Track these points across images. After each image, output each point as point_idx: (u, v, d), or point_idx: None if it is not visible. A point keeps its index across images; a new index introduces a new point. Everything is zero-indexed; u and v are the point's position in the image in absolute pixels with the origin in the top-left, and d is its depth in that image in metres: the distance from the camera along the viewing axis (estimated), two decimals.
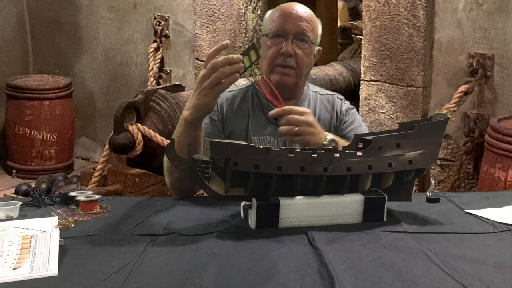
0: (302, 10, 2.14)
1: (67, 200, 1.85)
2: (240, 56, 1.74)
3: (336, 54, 5.72)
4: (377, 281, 1.39)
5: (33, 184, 4.49)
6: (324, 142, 1.92)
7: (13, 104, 4.94)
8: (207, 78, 1.73)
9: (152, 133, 3.34)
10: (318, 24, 2.17)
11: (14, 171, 4.99)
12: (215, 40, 4.45)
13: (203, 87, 1.74)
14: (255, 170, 1.65)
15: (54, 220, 1.68)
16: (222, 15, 4.41)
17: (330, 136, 1.96)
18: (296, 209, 1.70)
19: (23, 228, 1.63)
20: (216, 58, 1.75)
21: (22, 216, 1.75)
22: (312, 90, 2.23)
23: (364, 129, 2.19)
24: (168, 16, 4.74)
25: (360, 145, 1.79)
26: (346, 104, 2.22)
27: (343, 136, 2.13)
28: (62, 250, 1.51)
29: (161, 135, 3.35)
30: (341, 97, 2.25)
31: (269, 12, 2.20)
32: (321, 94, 2.23)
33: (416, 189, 3.53)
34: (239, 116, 2.16)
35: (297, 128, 1.87)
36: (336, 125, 2.18)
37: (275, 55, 2.09)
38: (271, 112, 1.91)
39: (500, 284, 1.39)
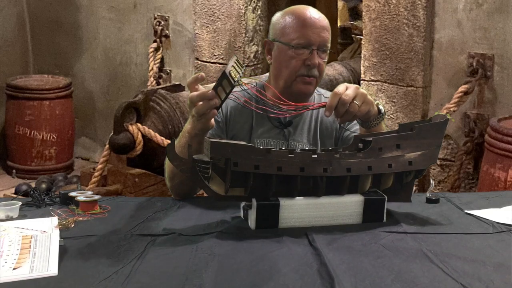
0: (321, 17, 2.11)
1: (67, 200, 1.85)
2: (214, 92, 1.71)
3: (336, 54, 5.72)
4: (377, 281, 1.39)
5: (33, 184, 4.49)
6: (378, 104, 1.90)
7: (13, 104, 4.93)
8: (191, 108, 1.76)
9: (152, 133, 3.34)
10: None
11: (14, 171, 4.99)
12: (215, 40, 4.45)
13: (192, 114, 1.78)
14: (255, 170, 1.65)
15: (54, 220, 1.68)
16: (222, 15, 4.41)
17: (378, 102, 1.93)
18: (296, 209, 1.70)
19: (23, 228, 1.63)
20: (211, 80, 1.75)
21: (22, 216, 1.75)
22: (316, 93, 2.22)
23: None
24: (168, 16, 4.74)
25: (360, 146, 1.79)
26: None
27: (346, 137, 2.12)
28: (62, 250, 1.51)
29: (161, 135, 3.36)
30: None
31: (279, 16, 2.14)
32: (325, 97, 2.22)
33: (416, 189, 3.53)
34: (243, 118, 2.15)
35: (357, 102, 1.80)
36: (339, 127, 2.17)
37: (299, 66, 2.07)
38: (327, 113, 1.82)
39: (500, 284, 1.39)
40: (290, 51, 2.08)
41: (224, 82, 1.71)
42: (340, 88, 1.81)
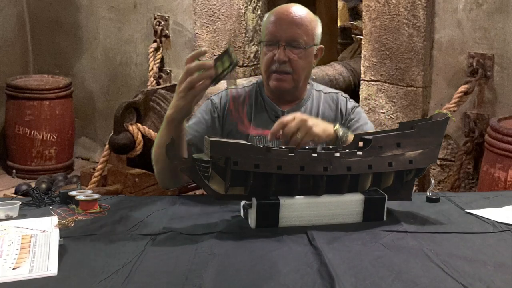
0: (297, 13, 2.10)
1: (67, 200, 1.85)
2: (212, 62, 1.74)
3: (336, 54, 5.72)
4: (377, 281, 1.39)
5: (33, 184, 4.48)
6: (337, 131, 1.92)
7: (13, 104, 4.93)
8: (183, 81, 1.77)
9: (152, 133, 3.34)
10: (315, 24, 2.14)
11: (14, 171, 4.99)
12: (215, 40, 4.45)
13: (180, 90, 1.79)
14: (255, 169, 1.65)
15: (54, 219, 1.68)
16: (222, 15, 4.41)
17: (337, 126, 1.94)
18: (296, 208, 1.70)
19: (22, 227, 1.63)
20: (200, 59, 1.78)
21: (21, 215, 1.75)
22: (315, 89, 2.23)
23: (370, 127, 2.17)
24: (168, 16, 4.74)
25: (360, 145, 1.79)
26: (351, 103, 2.21)
27: None
28: (62, 250, 1.51)
29: None
30: (345, 95, 2.25)
31: (267, 15, 2.20)
32: (325, 93, 2.23)
33: (416, 189, 3.53)
34: None
35: (299, 134, 1.83)
36: (342, 124, 2.17)
37: (270, 61, 2.10)
38: (269, 138, 1.88)
39: (500, 284, 1.39)
40: (264, 48, 2.12)
41: (225, 58, 1.73)
42: (286, 118, 1.85)
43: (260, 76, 2.33)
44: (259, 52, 4.54)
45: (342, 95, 2.23)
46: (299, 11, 2.12)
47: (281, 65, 2.08)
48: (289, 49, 2.08)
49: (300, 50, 2.09)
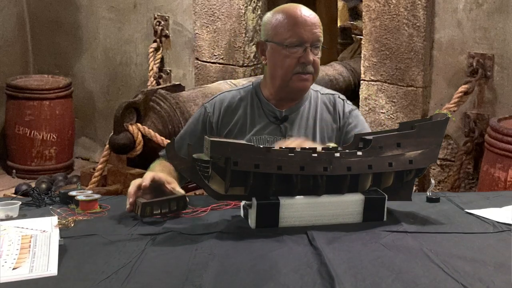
0: (311, 14, 2.13)
1: (67, 200, 1.85)
2: (133, 202, 1.76)
3: (336, 54, 5.71)
4: (377, 281, 1.39)
5: (33, 184, 4.48)
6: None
7: (13, 104, 4.93)
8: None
9: (152, 133, 3.34)
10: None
11: (14, 171, 4.99)
12: (215, 40, 4.45)
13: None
14: (255, 169, 1.65)
15: (54, 219, 1.68)
16: (222, 15, 4.41)
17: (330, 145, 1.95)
18: (296, 208, 1.70)
19: (22, 227, 1.63)
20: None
21: (21, 215, 1.75)
22: (313, 89, 2.23)
23: (367, 130, 2.17)
24: (168, 16, 4.74)
25: (360, 145, 1.79)
26: (349, 105, 2.21)
27: (347, 139, 2.12)
28: (62, 250, 1.51)
29: (161, 135, 3.36)
30: (342, 97, 2.25)
31: (269, 16, 2.15)
32: (322, 94, 2.23)
33: (416, 189, 3.52)
34: (237, 115, 2.17)
35: None
36: (340, 127, 2.17)
37: (294, 64, 2.10)
38: None
39: (500, 284, 1.39)
40: (284, 51, 2.09)
41: (147, 209, 1.74)
42: (286, 142, 1.87)
43: (260, 77, 2.32)
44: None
45: (339, 97, 2.24)
46: (311, 11, 2.15)
47: (306, 67, 2.10)
48: (312, 50, 2.10)
49: (318, 50, 2.13)
